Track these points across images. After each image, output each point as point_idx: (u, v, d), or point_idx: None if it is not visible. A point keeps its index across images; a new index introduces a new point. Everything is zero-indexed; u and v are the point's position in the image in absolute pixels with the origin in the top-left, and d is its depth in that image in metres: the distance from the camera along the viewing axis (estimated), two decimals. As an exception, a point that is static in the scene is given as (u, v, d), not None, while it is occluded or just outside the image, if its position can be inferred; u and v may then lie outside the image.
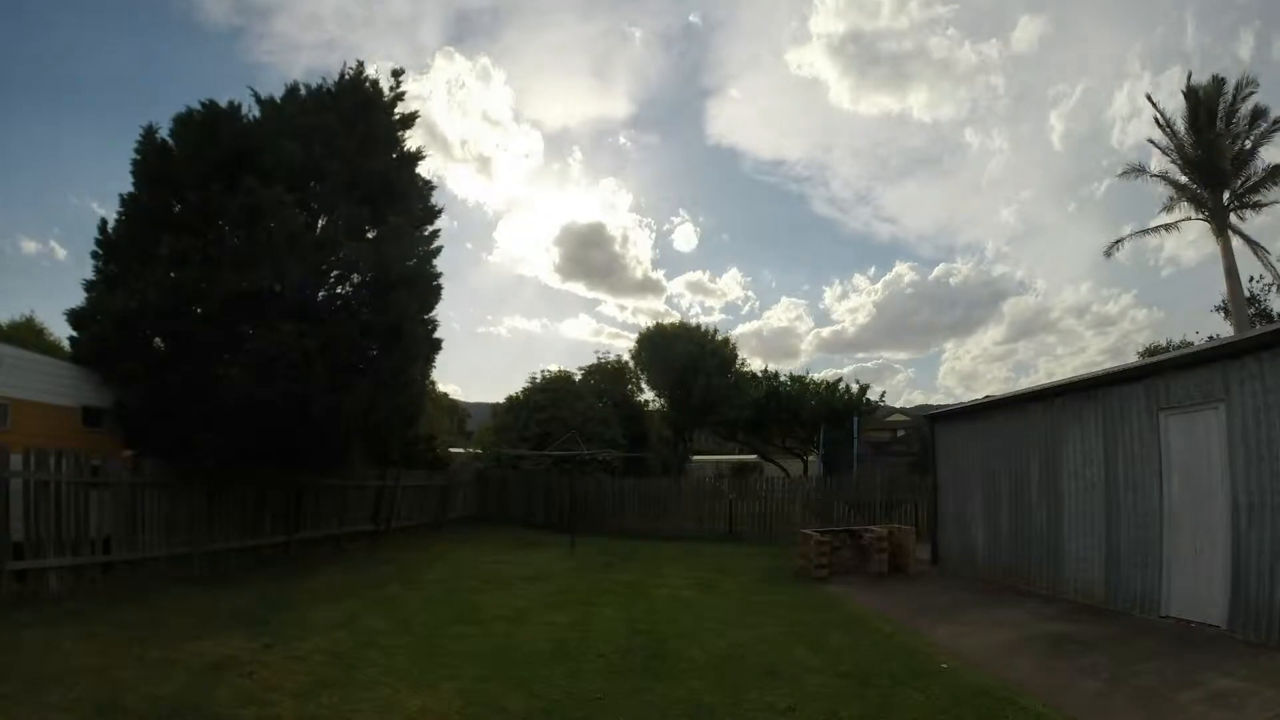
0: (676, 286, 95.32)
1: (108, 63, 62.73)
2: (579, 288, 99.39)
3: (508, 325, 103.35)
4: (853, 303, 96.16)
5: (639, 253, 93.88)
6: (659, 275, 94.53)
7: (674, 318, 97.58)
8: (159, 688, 4.72)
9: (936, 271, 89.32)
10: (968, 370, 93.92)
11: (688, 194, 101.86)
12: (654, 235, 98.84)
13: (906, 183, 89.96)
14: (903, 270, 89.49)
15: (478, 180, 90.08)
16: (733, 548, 14.45)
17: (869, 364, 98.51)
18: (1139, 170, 22.89)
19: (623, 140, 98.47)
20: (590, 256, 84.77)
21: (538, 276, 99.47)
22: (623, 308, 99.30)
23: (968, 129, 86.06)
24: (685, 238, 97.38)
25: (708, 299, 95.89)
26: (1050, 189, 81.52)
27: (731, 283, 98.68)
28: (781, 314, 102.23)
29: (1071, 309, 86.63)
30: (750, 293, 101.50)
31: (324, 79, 11.75)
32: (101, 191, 70.76)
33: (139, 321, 9.63)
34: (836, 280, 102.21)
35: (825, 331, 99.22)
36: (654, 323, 28.10)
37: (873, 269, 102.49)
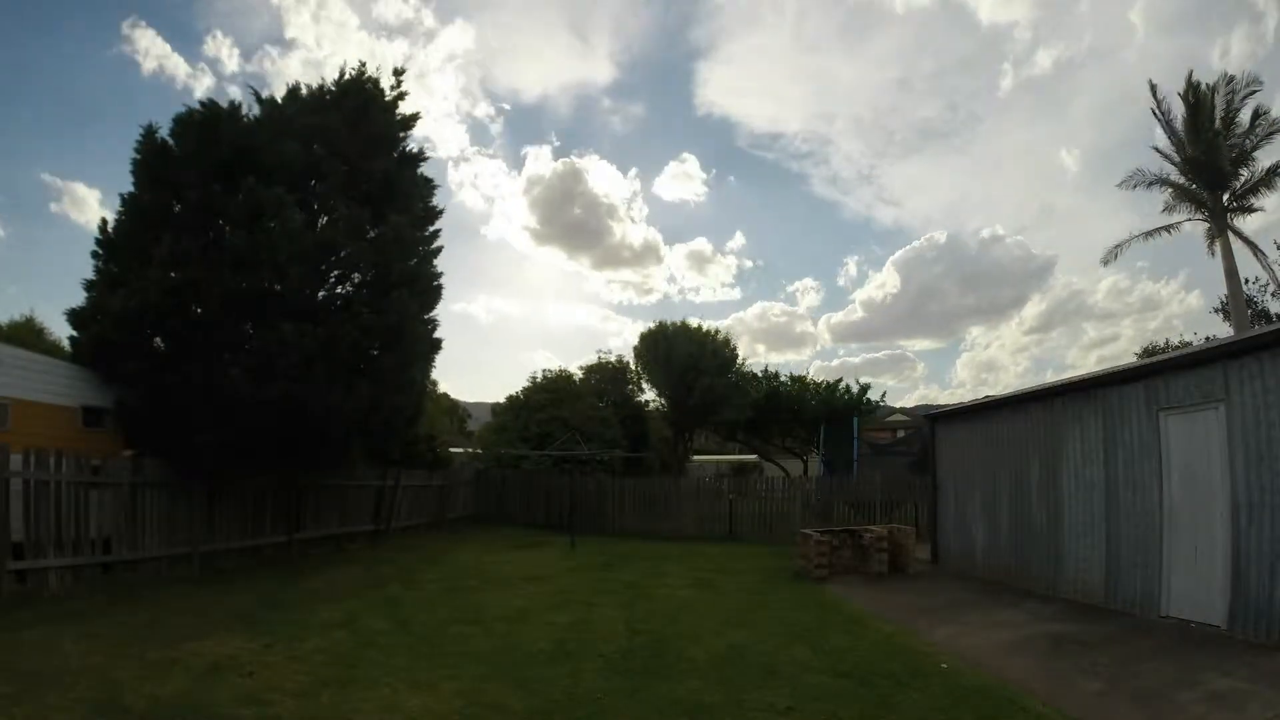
0: (675, 259, 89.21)
1: (53, 26, 59.32)
2: (557, 255, 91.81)
3: (485, 305, 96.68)
4: (869, 284, 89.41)
5: (628, 220, 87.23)
6: (654, 235, 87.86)
7: (669, 292, 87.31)
8: (159, 688, 4.73)
9: (961, 250, 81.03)
10: (986, 362, 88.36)
11: (677, 169, 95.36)
12: (642, 198, 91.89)
13: (914, 159, 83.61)
14: (924, 249, 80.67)
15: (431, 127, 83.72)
16: (733, 548, 14.45)
17: (882, 354, 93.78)
18: (1150, 179, 22.59)
19: (606, 104, 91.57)
20: (574, 222, 78.51)
21: (512, 242, 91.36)
22: (610, 281, 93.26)
23: (1040, 47, 74.72)
24: (678, 210, 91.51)
25: (709, 268, 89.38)
26: (1102, 147, 73.19)
27: (733, 256, 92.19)
28: (789, 296, 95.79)
29: (1114, 291, 79.26)
30: (758, 261, 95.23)
31: (323, 79, 11.79)
32: (42, 159, 66.34)
33: (139, 321, 9.64)
34: (849, 260, 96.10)
35: (836, 317, 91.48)
36: (655, 322, 28.03)
37: (890, 248, 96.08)
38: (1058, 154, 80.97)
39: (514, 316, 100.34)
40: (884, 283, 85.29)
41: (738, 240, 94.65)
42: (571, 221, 78.45)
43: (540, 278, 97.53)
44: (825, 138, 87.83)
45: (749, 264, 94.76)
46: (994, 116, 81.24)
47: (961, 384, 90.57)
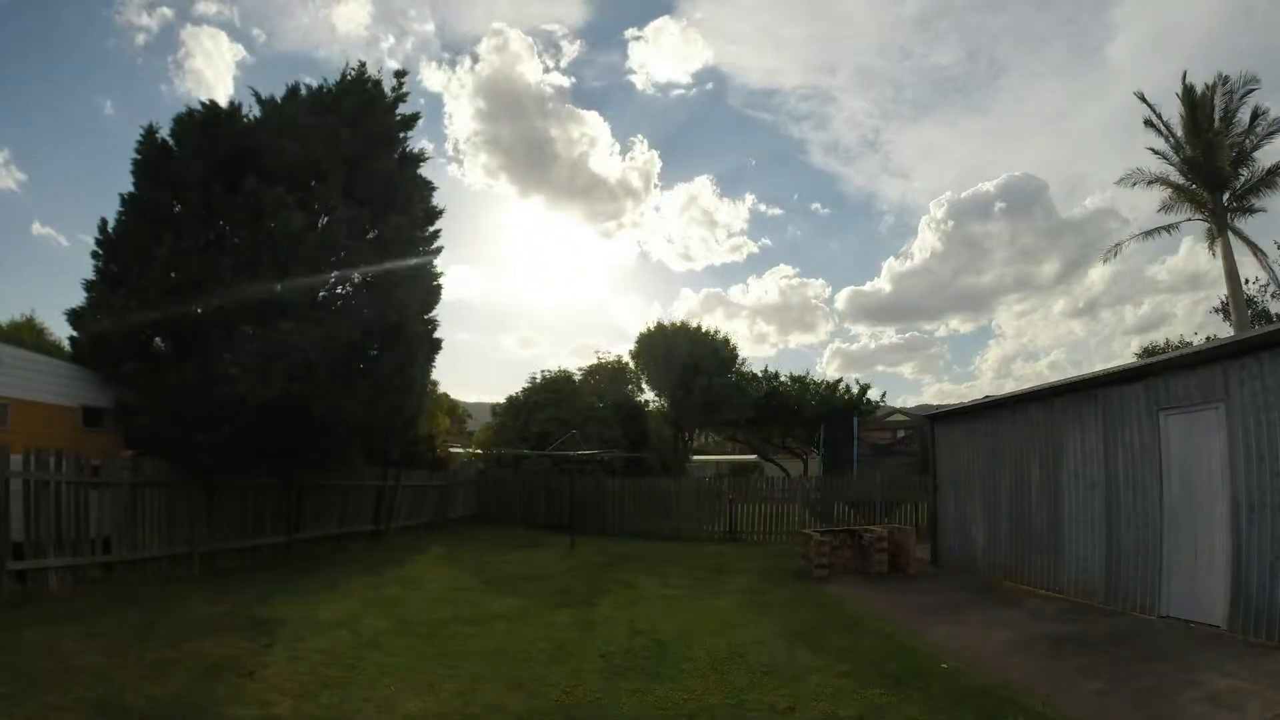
0: (669, 211, 78.30)
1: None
2: (529, 206, 78.07)
3: (452, 274, 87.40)
4: (899, 253, 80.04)
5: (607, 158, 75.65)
6: (641, 176, 76.01)
7: (663, 257, 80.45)
8: (159, 688, 4.72)
9: (1012, 207, 69.10)
10: (1015, 352, 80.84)
11: (661, 139, 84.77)
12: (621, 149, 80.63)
13: (926, 121, 74.43)
14: (963, 207, 69.90)
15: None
16: (733, 548, 14.45)
17: (907, 335, 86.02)
18: (1149, 178, 22.51)
19: (578, 52, 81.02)
20: (554, 177, 67.42)
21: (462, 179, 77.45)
22: (588, 219, 80.00)
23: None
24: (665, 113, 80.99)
25: (710, 215, 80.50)
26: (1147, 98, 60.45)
27: (735, 211, 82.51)
28: (802, 264, 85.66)
29: (1189, 253, 69.56)
30: (766, 206, 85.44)
31: (324, 79, 11.79)
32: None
33: (139, 321, 9.64)
34: (867, 230, 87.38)
35: (856, 291, 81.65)
36: (655, 324, 28.01)
37: (893, 228, 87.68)
38: (1093, 109, 68.47)
39: (486, 292, 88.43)
40: (918, 247, 75.47)
41: (738, 206, 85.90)
42: (551, 176, 68.57)
43: (514, 239, 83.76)
44: (827, 94, 77.34)
45: (761, 211, 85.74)
46: (1020, 62, 69.06)
47: (982, 374, 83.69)
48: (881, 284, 79.36)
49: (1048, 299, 79.13)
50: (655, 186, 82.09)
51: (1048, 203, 68.23)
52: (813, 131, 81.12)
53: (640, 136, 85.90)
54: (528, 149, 69.30)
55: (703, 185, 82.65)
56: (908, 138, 77.51)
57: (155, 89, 66.38)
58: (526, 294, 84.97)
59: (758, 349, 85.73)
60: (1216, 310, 24.91)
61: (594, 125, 78.51)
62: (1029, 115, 71.13)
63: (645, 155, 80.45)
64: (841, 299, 79.54)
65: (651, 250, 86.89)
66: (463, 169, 77.47)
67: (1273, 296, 23.11)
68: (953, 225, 69.63)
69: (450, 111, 79.71)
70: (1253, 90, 20.41)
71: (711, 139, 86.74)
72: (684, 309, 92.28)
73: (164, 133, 10.36)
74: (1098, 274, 73.25)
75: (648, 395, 27.94)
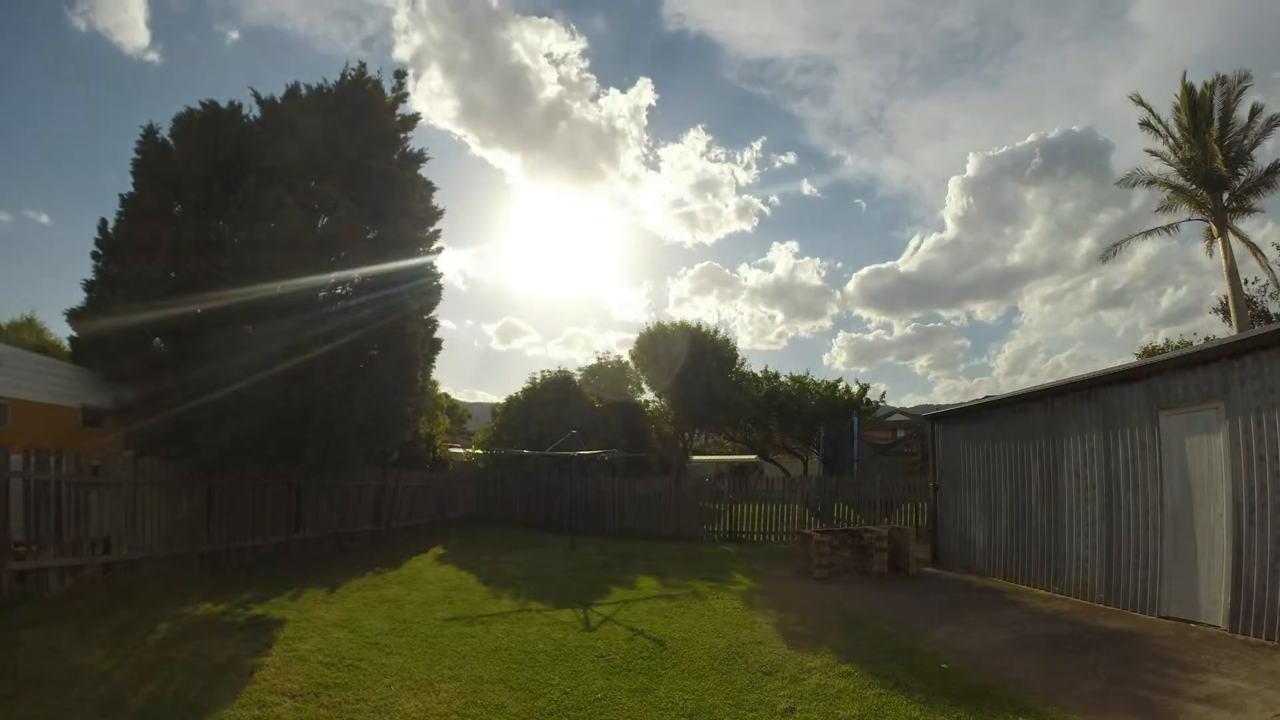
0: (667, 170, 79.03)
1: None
2: (516, 177, 76.55)
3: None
4: (916, 235, 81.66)
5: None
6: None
7: (660, 233, 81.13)
8: (159, 688, 4.73)
9: (1025, 182, 67.45)
10: (1034, 344, 79.78)
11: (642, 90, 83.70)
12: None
13: (933, 97, 74.35)
14: (980, 184, 68.60)
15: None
16: (733, 548, 14.46)
17: (928, 326, 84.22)
18: (1149, 178, 22.54)
19: (559, 15, 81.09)
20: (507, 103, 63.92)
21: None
22: (576, 172, 77.42)
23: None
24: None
25: (714, 172, 79.37)
26: (1177, 64, 63.58)
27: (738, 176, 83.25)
28: (802, 247, 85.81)
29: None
30: (778, 155, 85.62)
31: (324, 79, 11.78)
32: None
33: (139, 321, 9.65)
34: (872, 216, 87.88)
35: (875, 268, 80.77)
36: (655, 323, 28.01)
37: (898, 214, 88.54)
38: (1115, 78, 67.98)
39: (462, 272, 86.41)
40: (943, 218, 75.85)
41: (744, 154, 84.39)
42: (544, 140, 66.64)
43: (486, 202, 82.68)
44: (828, 63, 75.48)
45: (771, 163, 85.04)
46: (1038, 25, 68.00)
47: (996, 367, 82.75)
48: (897, 265, 77.63)
49: (1081, 282, 75.41)
50: (645, 130, 79.64)
51: (1097, 169, 62.55)
52: (813, 108, 77.82)
53: (633, 70, 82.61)
54: (490, 80, 64.54)
55: (697, 140, 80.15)
56: (913, 113, 75.34)
57: (59, 15, 62.17)
58: (506, 274, 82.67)
59: (763, 338, 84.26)
60: (1216, 310, 24.95)
61: (568, 41, 74.37)
62: (1045, 85, 68.09)
63: (636, 86, 76.62)
64: (853, 283, 76.86)
65: (647, 214, 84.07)
66: (408, 105, 74.23)
67: (1272, 297, 23.14)
68: (987, 192, 66.06)
69: (398, 29, 74.34)
70: (1246, 87, 20.48)
71: (708, 109, 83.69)
72: (681, 289, 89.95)
73: (164, 133, 10.37)
74: (1140, 250, 69.12)
75: (648, 395, 27.93)
